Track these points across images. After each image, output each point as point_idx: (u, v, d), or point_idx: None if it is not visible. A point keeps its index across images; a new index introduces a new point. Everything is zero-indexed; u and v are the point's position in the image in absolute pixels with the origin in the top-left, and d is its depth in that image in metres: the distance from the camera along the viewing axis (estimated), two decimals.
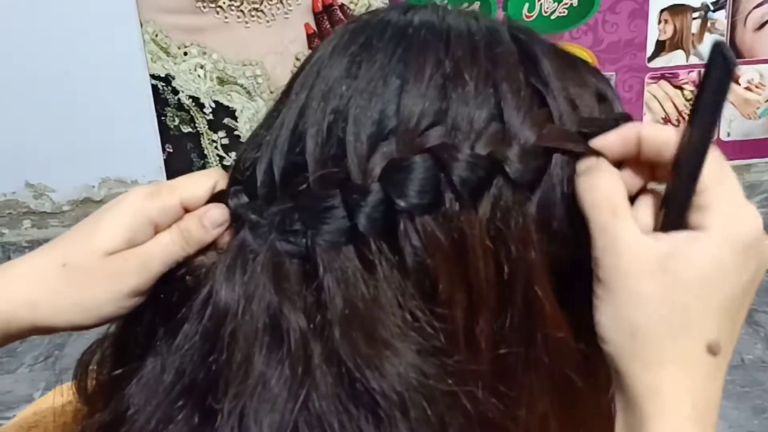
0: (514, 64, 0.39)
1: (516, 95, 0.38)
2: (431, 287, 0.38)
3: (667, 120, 2.33)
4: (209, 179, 0.42)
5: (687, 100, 2.32)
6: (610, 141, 0.39)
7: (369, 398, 0.36)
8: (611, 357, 0.38)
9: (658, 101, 2.32)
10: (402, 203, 0.37)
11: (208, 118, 2.22)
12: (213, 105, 2.21)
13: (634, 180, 0.39)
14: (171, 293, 0.42)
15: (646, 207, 0.39)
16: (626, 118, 0.42)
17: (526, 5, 2.16)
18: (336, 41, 0.42)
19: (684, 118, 2.34)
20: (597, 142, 0.39)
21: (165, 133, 2.23)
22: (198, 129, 2.23)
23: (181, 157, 2.25)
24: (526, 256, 0.38)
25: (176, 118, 2.22)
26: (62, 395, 0.48)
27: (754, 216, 0.37)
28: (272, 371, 0.37)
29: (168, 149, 2.25)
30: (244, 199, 0.41)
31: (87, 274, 0.41)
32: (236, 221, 0.41)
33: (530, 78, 0.39)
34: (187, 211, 0.42)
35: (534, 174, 0.37)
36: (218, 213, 0.41)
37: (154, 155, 2.24)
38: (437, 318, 0.38)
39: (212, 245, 0.42)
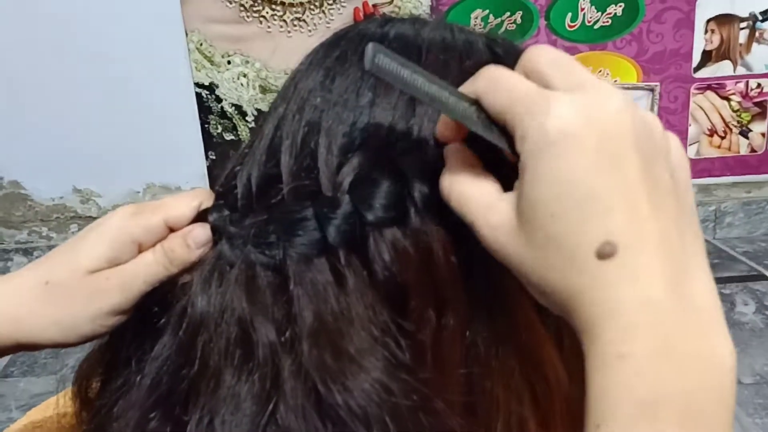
0: None
1: None
2: (401, 301, 0.37)
3: (713, 131, 2.29)
4: (194, 199, 0.42)
5: (734, 111, 2.27)
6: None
7: (335, 413, 0.36)
8: None
9: (704, 112, 2.28)
10: (369, 216, 0.36)
11: (250, 125, 2.25)
12: (255, 113, 2.24)
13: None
14: (152, 305, 0.42)
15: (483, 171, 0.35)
16: None
17: (569, 15, 2.14)
18: (314, 54, 0.43)
19: (731, 130, 2.30)
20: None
21: (208, 140, 2.26)
22: (240, 136, 2.26)
23: (223, 164, 2.27)
24: (492, 270, 0.37)
25: (219, 126, 2.25)
26: (66, 398, 0.48)
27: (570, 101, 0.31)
28: (242, 384, 0.37)
29: (211, 156, 2.28)
30: (225, 212, 0.41)
31: (68, 293, 0.41)
32: (215, 234, 0.41)
33: None
34: (172, 230, 0.42)
35: None
36: (202, 232, 0.41)
37: (198, 162, 2.27)
38: (406, 334, 0.37)
39: (196, 265, 0.41)
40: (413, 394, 0.36)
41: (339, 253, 0.37)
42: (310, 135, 0.39)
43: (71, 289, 0.41)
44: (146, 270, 0.41)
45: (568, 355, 0.40)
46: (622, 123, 0.31)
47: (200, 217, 0.42)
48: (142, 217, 0.42)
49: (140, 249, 0.42)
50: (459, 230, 0.36)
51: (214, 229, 0.41)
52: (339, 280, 0.37)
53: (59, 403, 0.50)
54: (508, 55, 0.41)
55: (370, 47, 0.32)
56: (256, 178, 0.40)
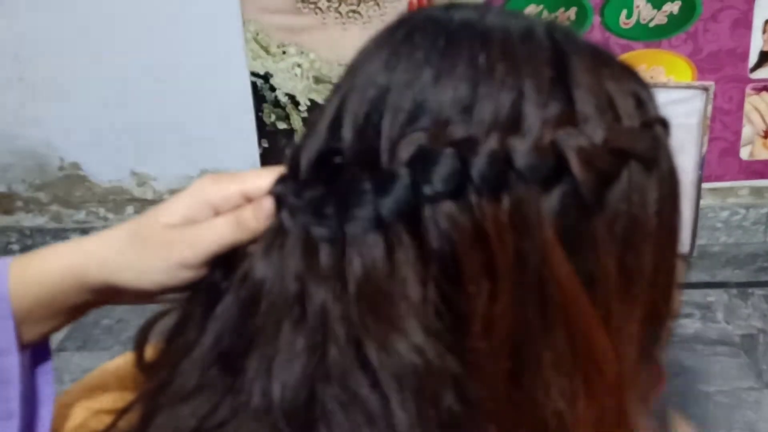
0: (542, 61, 0.41)
1: (538, 92, 0.39)
2: (452, 273, 0.39)
3: None
4: (273, 174, 0.45)
5: None
6: None
7: (372, 372, 0.39)
8: None
9: (760, 113, 2.24)
10: (427, 190, 0.38)
11: (302, 115, 2.28)
12: (308, 103, 2.27)
13: None
14: (217, 270, 0.45)
15: None
16: (662, 122, 0.42)
17: (624, 12, 2.12)
18: (380, 35, 0.45)
19: None
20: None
21: (262, 128, 2.30)
22: (293, 125, 2.30)
23: (275, 152, 2.32)
24: (545, 252, 0.38)
25: (272, 115, 2.29)
26: (125, 361, 0.53)
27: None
28: (296, 340, 0.40)
29: (264, 144, 2.32)
30: (288, 184, 0.43)
31: (147, 242, 0.46)
32: (278, 204, 0.43)
33: (557, 75, 0.40)
34: (250, 201, 0.45)
35: (548, 170, 0.38)
36: (269, 204, 0.44)
37: (251, 150, 2.31)
38: (452, 304, 0.39)
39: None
40: (455, 362, 0.39)
41: (393, 224, 0.39)
42: (373, 112, 0.41)
43: (150, 239, 0.46)
44: (216, 231, 0.45)
45: (616, 336, 0.41)
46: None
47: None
48: (220, 185, 0.46)
49: (216, 214, 0.46)
50: (514, 208, 0.38)
51: (278, 200, 0.44)
52: (390, 251, 0.39)
53: (118, 366, 0.54)
54: (568, 42, 0.42)
55: None
56: (318, 152, 0.42)
